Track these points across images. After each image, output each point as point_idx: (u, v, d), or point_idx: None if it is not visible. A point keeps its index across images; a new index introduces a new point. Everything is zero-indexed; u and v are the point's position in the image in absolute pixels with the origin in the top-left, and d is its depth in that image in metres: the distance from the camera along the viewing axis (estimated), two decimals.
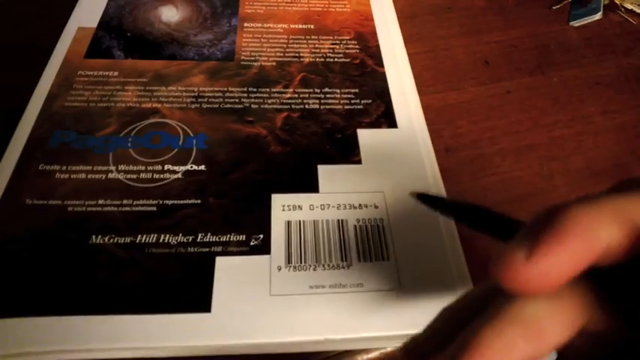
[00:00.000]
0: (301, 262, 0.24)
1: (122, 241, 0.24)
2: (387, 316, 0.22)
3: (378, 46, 0.35)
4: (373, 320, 0.22)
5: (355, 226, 0.25)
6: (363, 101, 0.31)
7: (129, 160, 0.27)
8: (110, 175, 0.26)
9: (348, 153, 0.28)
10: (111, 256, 0.23)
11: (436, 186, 0.27)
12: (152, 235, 0.24)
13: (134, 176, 0.26)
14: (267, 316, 0.22)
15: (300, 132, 0.29)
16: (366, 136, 0.29)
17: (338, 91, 0.32)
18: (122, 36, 0.34)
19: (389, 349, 0.24)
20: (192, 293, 0.22)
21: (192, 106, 0.30)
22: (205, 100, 0.30)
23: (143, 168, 0.27)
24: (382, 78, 0.33)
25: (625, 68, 0.39)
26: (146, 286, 0.23)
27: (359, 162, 0.28)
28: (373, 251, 0.24)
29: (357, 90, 0.32)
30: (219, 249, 0.24)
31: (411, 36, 0.39)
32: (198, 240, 0.24)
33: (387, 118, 0.30)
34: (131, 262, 0.23)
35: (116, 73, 0.31)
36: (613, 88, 0.38)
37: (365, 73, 0.33)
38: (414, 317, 0.23)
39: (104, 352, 0.21)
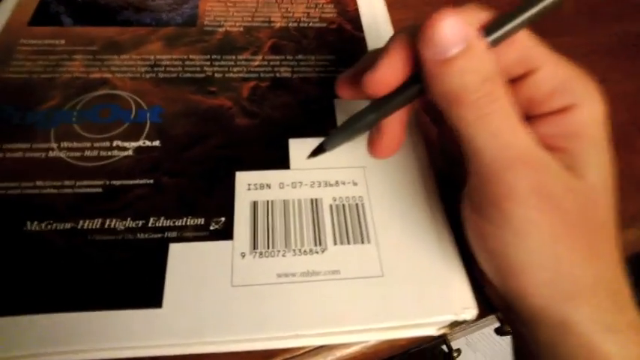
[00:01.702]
0: (268, 248, 0.21)
1: (61, 228, 0.21)
2: (368, 307, 0.20)
3: (357, 10, 0.31)
4: (352, 312, 0.19)
5: (331, 205, 0.22)
6: (340, 69, 0.28)
7: (73, 136, 0.24)
8: (51, 154, 0.23)
9: (323, 125, 0.25)
10: (48, 244, 0.20)
11: (423, 158, 0.24)
12: (96, 220, 0.21)
13: (78, 154, 0.23)
14: (227, 310, 0.19)
15: (270, 103, 0.26)
16: (343, 107, 0.26)
17: (313, 58, 0.28)
18: (72, 1, 0.30)
19: (371, 343, 0.22)
20: (140, 286, 0.19)
21: (147, 75, 0.26)
22: (162, 69, 0.27)
23: (89, 145, 0.23)
24: (361, 44, 0.29)
25: (620, 35, 0.37)
26: (87, 278, 0.19)
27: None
28: (351, 233, 0.21)
29: (333, 57, 0.28)
30: (174, 234, 0.21)
31: (396, 2, 0.35)
32: (150, 225, 0.21)
33: None
34: (71, 251, 0.20)
35: (63, 42, 0.28)
36: (610, 56, 0.35)
37: (343, 39, 0.30)
38: (398, 307, 0.20)
39: (35, 357, 0.18)
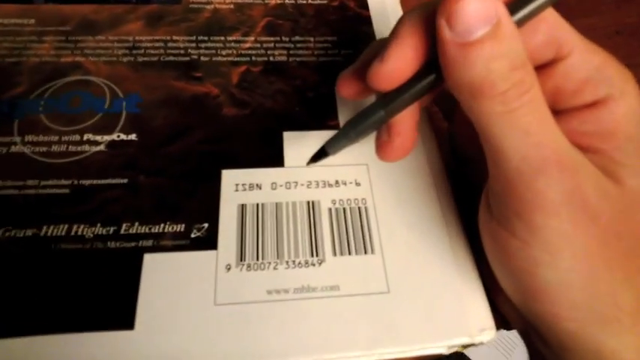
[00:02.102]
0: (258, 259, 0.18)
1: (21, 235, 0.18)
2: (372, 330, 0.17)
3: None
4: (353, 335, 0.17)
5: (330, 209, 0.19)
6: (342, 51, 0.25)
7: (39, 128, 0.21)
8: (13, 149, 0.20)
9: (322, 116, 0.22)
10: (4, 254, 0.18)
11: (435, 156, 0.22)
12: (62, 227, 0.18)
13: (44, 149, 0.20)
14: (209, 333, 0.16)
15: (262, 90, 0.23)
16: None
17: (311, 39, 0.25)
18: None
19: None
20: (109, 304, 0.17)
21: (125, 59, 0.23)
22: (141, 51, 0.24)
23: (56, 139, 0.21)
24: (367, 23, 0.26)
25: None
26: (48, 295, 0.17)
27: (336, 127, 0.22)
28: (353, 242, 0.19)
29: (335, 38, 0.25)
30: (150, 243, 0.18)
31: None
32: (122, 232, 0.18)
33: None
34: (31, 262, 0.17)
35: (32, 21, 0.25)
36: (636, 38, 0.32)
37: (345, 17, 0.26)
38: (406, 329, 0.17)
39: None
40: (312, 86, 0.23)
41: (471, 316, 0.18)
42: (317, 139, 0.21)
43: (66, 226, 0.18)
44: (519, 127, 0.13)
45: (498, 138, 0.14)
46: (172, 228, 0.18)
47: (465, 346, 0.19)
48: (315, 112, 0.22)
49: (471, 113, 0.14)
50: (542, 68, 0.16)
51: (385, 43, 0.15)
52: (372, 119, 0.16)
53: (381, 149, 0.18)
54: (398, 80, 0.15)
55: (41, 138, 0.21)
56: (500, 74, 0.13)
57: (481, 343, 0.18)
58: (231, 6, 0.26)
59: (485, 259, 0.18)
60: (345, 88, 0.18)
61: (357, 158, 0.21)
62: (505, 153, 0.14)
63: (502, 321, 0.19)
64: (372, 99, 0.18)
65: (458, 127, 0.21)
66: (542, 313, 0.15)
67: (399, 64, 0.15)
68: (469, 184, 0.21)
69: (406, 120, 0.17)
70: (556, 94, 0.16)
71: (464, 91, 0.14)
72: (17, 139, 0.20)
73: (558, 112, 0.16)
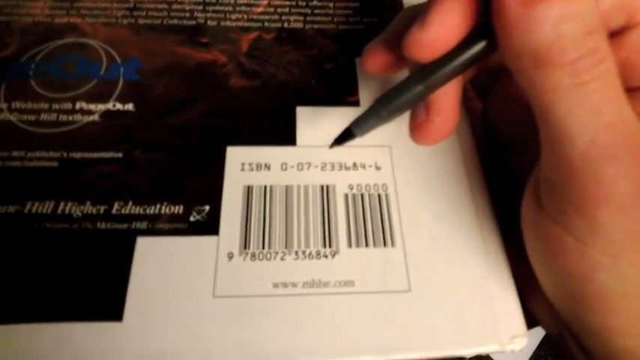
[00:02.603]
0: (264, 248, 0.16)
1: (3, 211, 0.16)
2: (389, 332, 0.15)
3: None
4: (368, 338, 0.15)
5: (346, 194, 0.17)
6: (365, 19, 0.22)
7: (28, 94, 0.19)
8: None
9: (341, 91, 0.20)
10: None
11: (467, 139, 0.19)
12: (47, 204, 0.16)
13: (32, 117, 0.18)
14: (206, 328, 0.15)
15: (275, 60, 0.21)
16: None
17: (331, 4, 0.23)
18: None
19: None
20: (96, 292, 0.15)
21: (124, 21, 0.21)
22: (143, 13, 0.21)
23: (46, 106, 0.19)
24: None
25: None
26: (29, 278, 0.15)
27: (356, 103, 0.20)
28: (371, 233, 0.17)
29: (357, 4, 0.23)
30: (144, 225, 0.16)
31: None
32: (114, 212, 0.16)
33: None
34: (12, 242, 0.16)
35: None
36: None
37: None
38: (428, 333, 0.15)
39: None
40: (331, 57, 0.21)
41: (503, 320, 0.16)
42: (334, 116, 0.19)
43: (52, 203, 0.16)
44: (589, 104, 0.11)
45: (562, 117, 0.11)
46: (169, 209, 0.17)
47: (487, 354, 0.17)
48: (333, 87, 0.20)
49: (530, 87, 0.12)
50: (610, 37, 0.13)
51: (425, 7, 0.13)
52: (409, 95, 0.14)
53: (417, 130, 0.15)
54: (441, 49, 0.13)
55: (30, 105, 0.19)
56: (572, 39, 0.11)
57: (512, 352, 0.16)
58: None
59: (519, 256, 0.16)
60: (372, 62, 0.16)
61: (379, 139, 0.19)
62: (569, 135, 0.11)
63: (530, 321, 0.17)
64: (402, 75, 0.16)
65: (495, 106, 0.18)
66: (595, 324, 0.13)
67: (443, 30, 0.13)
68: (505, 172, 0.18)
69: (448, 96, 0.15)
70: (625, 68, 0.13)
71: (525, 59, 0.11)
72: (3, 105, 0.19)
73: (627, 90, 0.13)
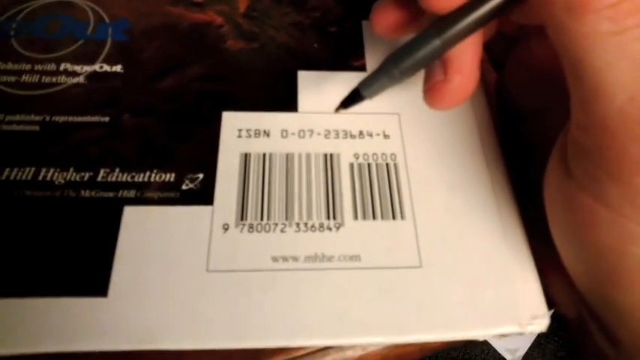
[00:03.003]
0: (262, 219, 0.15)
1: None
2: (398, 311, 0.14)
3: None
4: (375, 317, 0.14)
5: (352, 164, 0.16)
6: None
7: (9, 54, 0.17)
8: None
9: (346, 55, 0.19)
10: None
11: (481, 107, 0.18)
12: (28, 170, 0.15)
13: (12, 79, 0.17)
14: (198, 305, 0.13)
15: (275, 21, 0.19)
16: None
17: None
18: None
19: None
20: (79, 264, 0.14)
21: None
22: None
23: (28, 67, 0.17)
24: None
25: None
26: (8, 251, 0.14)
27: (362, 68, 0.18)
28: (379, 205, 0.15)
29: None
30: (132, 194, 0.15)
31: None
32: (99, 179, 0.15)
33: None
34: None
35: None
36: None
37: None
38: (440, 313, 0.14)
39: None
40: (335, 19, 0.19)
41: (522, 299, 0.14)
42: (338, 81, 0.18)
43: (33, 170, 0.15)
44: (631, 55, 0.10)
45: (599, 69, 0.10)
46: (160, 177, 0.15)
47: (505, 335, 0.15)
48: (337, 50, 0.19)
49: (561, 36, 0.10)
50: None
51: None
52: (424, 51, 0.13)
53: (433, 91, 0.14)
54: None
55: (10, 66, 0.17)
56: None
57: (531, 334, 0.15)
58: None
59: (536, 232, 0.15)
60: (383, 19, 0.15)
61: (387, 105, 0.17)
62: (606, 90, 0.10)
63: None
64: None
65: (512, 74, 0.17)
66: (625, 305, 0.12)
67: None
68: (522, 145, 0.17)
69: (468, 53, 0.13)
70: None
71: (556, 4, 0.10)
72: None
73: None
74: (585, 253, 0.12)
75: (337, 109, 0.15)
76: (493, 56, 0.19)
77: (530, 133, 0.17)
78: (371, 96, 0.14)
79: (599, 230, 0.11)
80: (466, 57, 0.13)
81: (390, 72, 0.13)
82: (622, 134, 0.10)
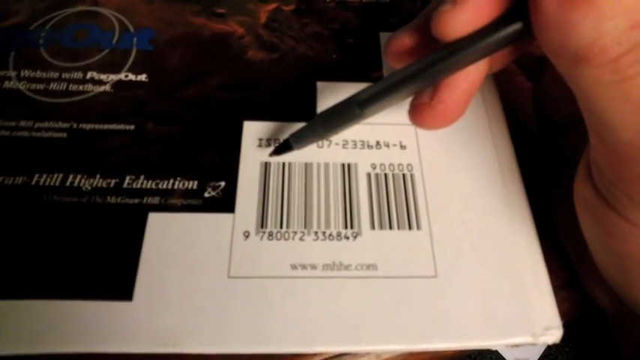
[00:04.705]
0: (282, 227, 0.15)
1: (10, 183, 0.16)
2: (414, 320, 0.14)
3: None
4: (391, 325, 0.14)
5: (369, 174, 0.16)
6: None
7: (37, 63, 0.18)
8: (7, 84, 0.18)
9: (364, 66, 0.19)
10: None
11: (497, 117, 0.18)
12: (56, 176, 0.16)
13: (41, 87, 0.18)
14: (219, 310, 0.14)
15: (294, 33, 0.20)
16: None
17: None
18: None
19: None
20: (105, 269, 0.14)
21: None
22: None
23: (56, 75, 0.18)
24: None
25: None
26: (35, 253, 0.14)
27: (380, 79, 0.19)
28: (395, 215, 0.16)
29: None
30: (156, 201, 0.15)
31: None
32: (125, 185, 0.16)
33: None
34: (18, 215, 0.15)
35: None
36: None
37: None
38: (455, 323, 0.14)
39: None
40: (353, 31, 0.20)
41: (535, 310, 0.15)
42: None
43: (61, 176, 0.16)
44: (633, 99, 0.10)
45: (605, 111, 0.10)
46: (183, 185, 0.16)
47: (517, 345, 0.16)
48: (355, 62, 0.19)
49: (570, 80, 0.11)
50: None
51: None
52: (345, 117, 0.14)
53: (416, 110, 0.14)
54: (469, 26, 0.12)
55: (39, 74, 0.18)
56: (614, 36, 0.10)
57: (544, 344, 0.15)
58: None
59: (572, 236, 0.15)
60: (398, 54, 0.15)
61: (404, 117, 0.18)
62: (614, 128, 0.10)
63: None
64: None
65: (546, 86, 0.17)
66: None
67: (478, 5, 0.12)
68: (558, 154, 0.17)
69: (458, 88, 0.14)
70: None
71: (563, 57, 0.10)
72: (12, 73, 0.18)
73: None
74: (615, 259, 0.13)
75: (270, 155, 0.16)
76: (526, 68, 0.20)
77: (566, 143, 0.17)
78: (300, 147, 0.15)
79: (623, 241, 0.12)
80: (455, 91, 0.14)
81: (316, 129, 0.15)
82: (632, 162, 0.11)
